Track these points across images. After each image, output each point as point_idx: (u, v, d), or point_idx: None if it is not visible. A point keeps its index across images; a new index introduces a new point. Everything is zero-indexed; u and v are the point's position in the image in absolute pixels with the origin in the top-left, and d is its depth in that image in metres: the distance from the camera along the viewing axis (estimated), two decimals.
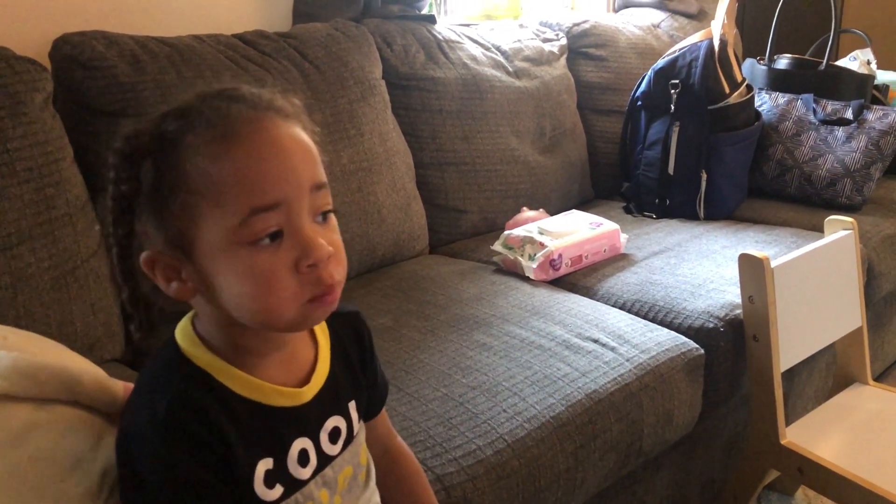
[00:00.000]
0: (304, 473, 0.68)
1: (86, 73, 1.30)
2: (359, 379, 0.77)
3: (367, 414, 0.81)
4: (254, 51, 1.52)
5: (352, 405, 0.75)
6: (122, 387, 0.78)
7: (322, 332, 0.74)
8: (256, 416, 0.65)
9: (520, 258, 1.55)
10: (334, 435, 0.72)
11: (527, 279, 1.53)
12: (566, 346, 1.23)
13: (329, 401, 0.71)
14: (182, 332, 0.67)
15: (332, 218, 0.66)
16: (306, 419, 0.69)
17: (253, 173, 0.60)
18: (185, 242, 0.62)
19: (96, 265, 1.24)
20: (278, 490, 0.66)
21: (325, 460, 0.70)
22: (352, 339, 0.78)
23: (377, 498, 0.80)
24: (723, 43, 1.96)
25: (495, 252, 1.60)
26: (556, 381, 1.14)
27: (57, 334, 1.14)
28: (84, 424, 0.73)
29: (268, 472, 0.65)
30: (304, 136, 0.64)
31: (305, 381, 0.70)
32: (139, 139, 0.62)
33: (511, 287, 1.48)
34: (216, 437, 0.62)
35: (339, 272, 0.64)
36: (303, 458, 0.68)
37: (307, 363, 0.71)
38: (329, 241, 0.63)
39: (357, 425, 0.75)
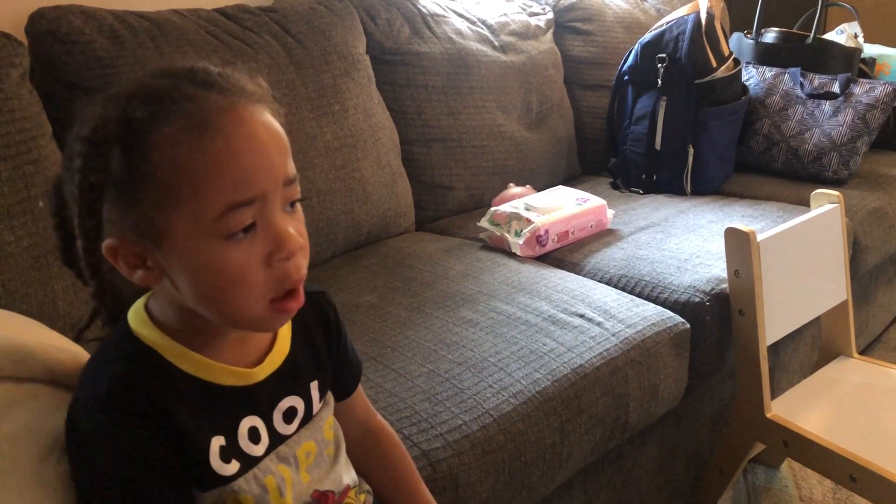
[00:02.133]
0: (257, 451, 0.68)
1: (63, 48, 1.27)
2: (322, 360, 0.77)
3: (341, 393, 0.81)
4: (235, 25, 1.49)
5: (313, 385, 0.74)
6: None
7: None
8: (206, 395, 0.65)
9: (506, 234, 1.54)
10: (289, 414, 0.72)
11: (513, 255, 1.52)
12: (552, 322, 1.23)
13: (286, 381, 0.71)
14: (134, 313, 0.67)
15: (299, 206, 0.66)
16: (257, 399, 0.69)
17: (230, 168, 0.58)
18: (155, 232, 0.60)
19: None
20: (234, 465, 0.66)
21: (278, 439, 0.70)
22: (316, 320, 0.77)
23: (352, 472, 0.80)
24: (710, 16, 1.94)
25: (482, 228, 1.60)
26: (542, 356, 1.14)
27: (38, 313, 1.13)
28: (63, 404, 0.72)
29: (222, 448, 0.65)
30: (276, 124, 0.63)
31: (260, 361, 0.70)
32: (106, 126, 0.59)
33: (498, 263, 1.48)
34: (159, 412, 0.62)
35: (304, 265, 0.64)
36: (253, 436, 0.68)
37: (264, 344, 0.71)
38: (297, 230, 0.63)
39: (318, 405, 0.75)
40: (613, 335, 1.22)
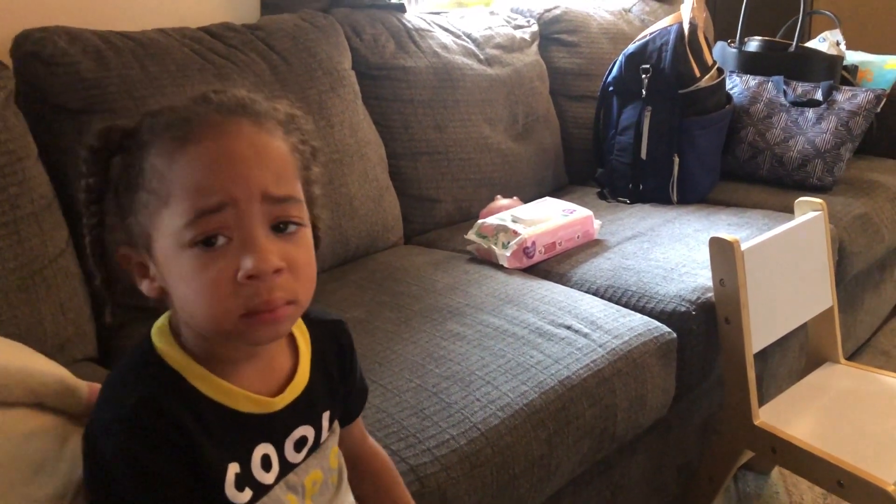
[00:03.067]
0: (268, 478, 0.68)
1: (48, 70, 1.28)
2: (336, 389, 0.77)
3: (343, 419, 0.81)
4: (220, 44, 1.50)
5: (325, 415, 0.74)
6: (87, 387, 0.77)
7: (304, 340, 0.74)
8: (225, 420, 0.65)
9: (493, 247, 1.55)
10: (300, 444, 0.71)
11: (501, 267, 1.53)
12: (539, 334, 1.24)
13: (302, 411, 0.71)
14: (158, 330, 0.67)
15: (303, 234, 0.64)
16: (273, 427, 0.69)
17: (200, 175, 0.59)
18: (146, 239, 0.62)
19: (65, 264, 1.22)
20: (247, 493, 0.66)
21: (287, 467, 0.70)
22: (332, 350, 0.77)
23: (351, 499, 0.80)
24: (692, 26, 1.96)
25: (469, 241, 1.61)
26: (529, 368, 1.14)
27: (26, 336, 1.13)
28: (48, 427, 0.72)
29: (237, 476, 0.65)
30: (275, 144, 0.63)
31: (280, 390, 0.69)
32: (111, 135, 0.63)
33: (485, 276, 1.48)
34: (182, 437, 0.61)
35: (291, 291, 0.62)
36: (265, 464, 0.68)
37: (284, 372, 0.71)
38: (286, 255, 0.61)
39: (325, 434, 0.75)
40: (600, 346, 1.23)
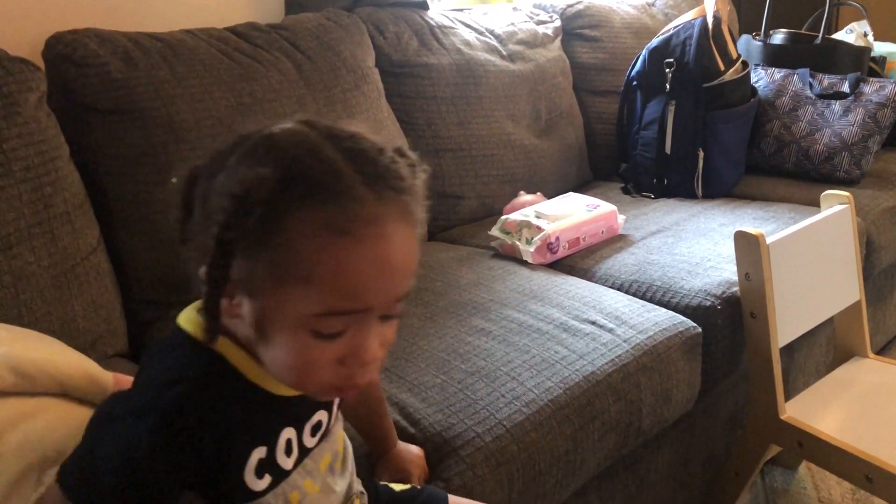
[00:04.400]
0: (289, 463, 0.69)
1: (79, 71, 1.30)
2: None
3: None
4: (246, 43, 1.52)
5: (335, 400, 0.76)
6: (111, 378, 0.79)
7: None
8: (259, 403, 0.66)
9: (517, 242, 1.56)
10: (315, 428, 0.73)
11: (525, 263, 1.54)
12: (564, 329, 1.24)
13: None
14: (192, 323, 0.65)
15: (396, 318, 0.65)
16: (296, 410, 0.70)
17: (349, 280, 0.58)
18: (256, 291, 0.60)
19: (96, 262, 1.25)
20: (266, 480, 0.67)
21: (304, 452, 0.72)
22: None
23: (357, 484, 0.81)
24: (716, 20, 1.95)
25: (493, 237, 1.61)
26: (554, 364, 1.15)
27: (59, 332, 1.15)
28: (73, 416, 0.75)
29: (260, 462, 0.66)
30: (415, 245, 0.62)
31: None
32: (259, 191, 0.57)
33: (509, 271, 1.49)
34: (211, 435, 0.62)
35: (375, 374, 0.67)
36: (288, 448, 0.69)
37: None
38: (384, 339, 0.63)
39: (335, 418, 0.77)
40: (625, 341, 1.23)
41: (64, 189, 1.21)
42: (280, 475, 0.69)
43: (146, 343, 1.33)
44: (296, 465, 0.70)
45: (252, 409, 0.65)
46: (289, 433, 0.69)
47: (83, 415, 0.76)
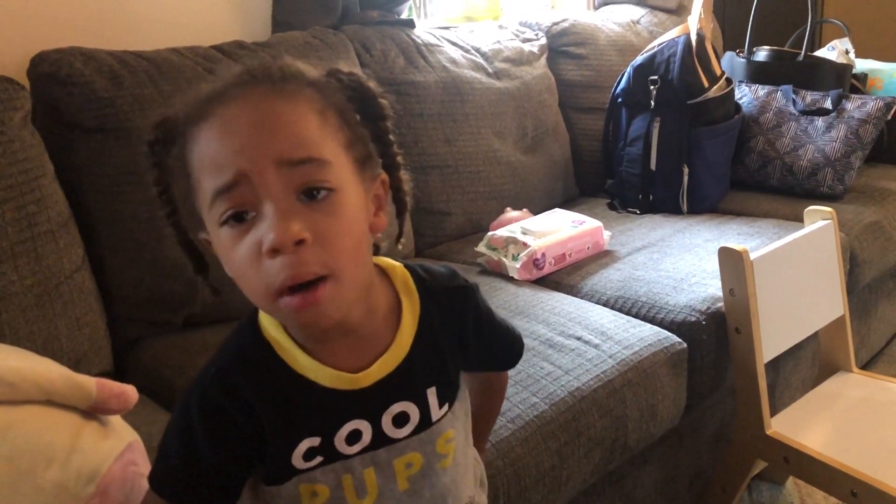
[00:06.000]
0: (351, 450, 0.67)
1: (64, 90, 1.30)
2: (447, 365, 0.72)
3: (502, 366, 0.84)
4: (232, 62, 1.52)
5: (430, 391, 0.70)
6: (94, 383, 0.79)
7: (411, 313, 0.70)
8: (308, 395, 0.65)
9: (504, 259, 1.56)
10: (400, 419, 0.69)
11: (511, 279, 1.54)
12: (550, 345, 1.24)
13: (398, 386, 0.68)
14: (259, 312, 0.68)
15: (336, 199, 0.59)
16: (364, 403, 0.67)
17: (211, 152, 0.58)
18: (201, 223, 0.63)
19: (80, 280, 1.24)
20: (317, 460, 0.67)
21: (382, 441, 0.68)
22: (448, 320, 0.72)
23: (471, 490, 0.78)
24: (700, 37, 1.97)
25: (479, 253, 1.62)
26: (540, 380, 1.15)
27: (42, 350, 1.15)
28: (59, 421, 0.75)
29: (310, 449, 0.66)
30: (289, 107, 0.59)
31: (369, 366, 0.67)
32: (162, 127, 0.64)
33: (495, 288, 1.49)
34: (244, 412, 0.64)
35: (322, 264, 0.57)
36: (352, 437, 0.67)
37: (381, 348, 0.68)
38: (314, 225, 0.57)
39: (438, 412, 0.71)
40: (610, 357, 1.23)
41: (48, 208, 1.21)
42: (334, 457, 0.67)
43: (130, 361, 1.33)
44: (363, 451, 0.68)
45: (300, 402, 0.65)
46: (357, 425, 0.67)
47: (69, 419, 0.77)
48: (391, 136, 0.68)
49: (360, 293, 0.64)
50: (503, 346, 0.82)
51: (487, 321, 0.77)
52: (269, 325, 0.66)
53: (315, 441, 0.66)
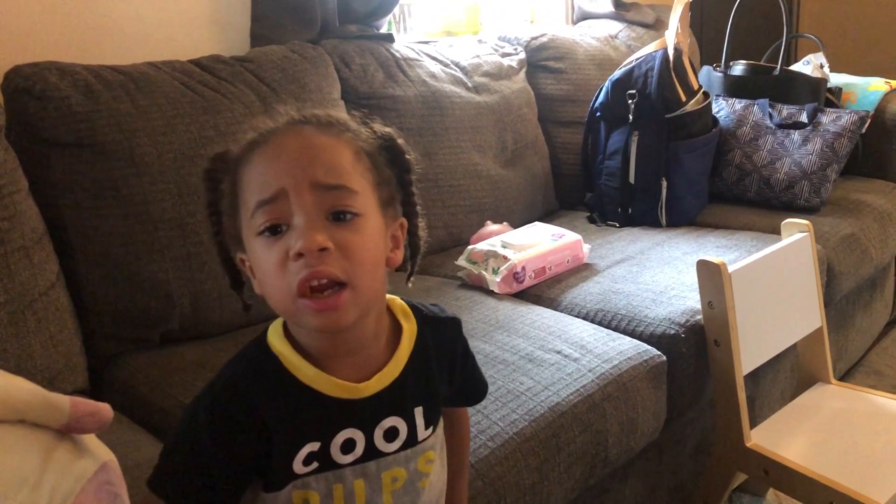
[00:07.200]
0: (344, 459, 0.73)
1: (39, 105, 1.29)
2: (434, 388, 0.79)
3: (456, 403, 0.88)
4: (210, 76, 1.52)
5: (418, 411, 0.77)
6: (68, 401, 0.78)
7: (409, 336, 0.77)
8: (312, 403, 0.71)
9: (484, 272, 1.56)
10: (391, 434, 0.75)
11: (491, 293, 1.54)
12: (529, 360, 1.24)
13: (390, 401, 0.74)
14: (273, 324, 0.75)
15: (362, 223, 0.68)
16: (360, 413, 0.73)
17: (260, 171, 0.68)
18: (240, 240, 0.71)
19: (55, 297, 1.23)
20: (313, 465, 0.72)
21: (372, 453, 0.74)
22: (440, 348, 0.80)
23: None
24: (677, 52, 1.99)
25: (460, 267, 1.61)
26: (519, 395, 1.15)
27: (16, 369, 1.13)
28: (31, 442, 0.73)
29: (310, 454, 0.71)
30: (330, 143, 0.69)
31: (369, 378, 0.73)
32: (219, 159, 0.74)
33: (476, 301, 1.49)
34: (253, 420, 0.69)
35: (341, 269, 0.65)
36: (347, 446, 0.72)
37: (378, 362, 0.75)
38: (338, 239, 0.66)
39: (424, 433, 0.77)
40: (590, 371, 1.23)
41: (22, 224, 1.19)
42: (329, 465, 0.72)
43: (106, 378, 1.31)
44: (355, 462, 0.73)
45: (303, 409, 0.70)
46: (351, 433, 0.72)
47: (41, 439, 0.75)
48: (414, 188, 0.77)
49: (374, 310, 0.72)
50: (476, 382, 0.89)
51: (471, 355, 0.86)
52: (276, 340, 0.73)
53: (315, 446, 0.71)
